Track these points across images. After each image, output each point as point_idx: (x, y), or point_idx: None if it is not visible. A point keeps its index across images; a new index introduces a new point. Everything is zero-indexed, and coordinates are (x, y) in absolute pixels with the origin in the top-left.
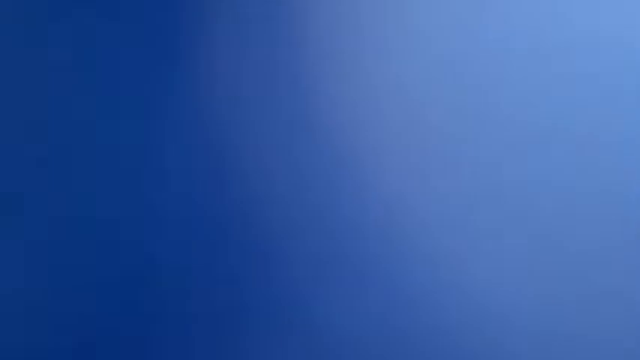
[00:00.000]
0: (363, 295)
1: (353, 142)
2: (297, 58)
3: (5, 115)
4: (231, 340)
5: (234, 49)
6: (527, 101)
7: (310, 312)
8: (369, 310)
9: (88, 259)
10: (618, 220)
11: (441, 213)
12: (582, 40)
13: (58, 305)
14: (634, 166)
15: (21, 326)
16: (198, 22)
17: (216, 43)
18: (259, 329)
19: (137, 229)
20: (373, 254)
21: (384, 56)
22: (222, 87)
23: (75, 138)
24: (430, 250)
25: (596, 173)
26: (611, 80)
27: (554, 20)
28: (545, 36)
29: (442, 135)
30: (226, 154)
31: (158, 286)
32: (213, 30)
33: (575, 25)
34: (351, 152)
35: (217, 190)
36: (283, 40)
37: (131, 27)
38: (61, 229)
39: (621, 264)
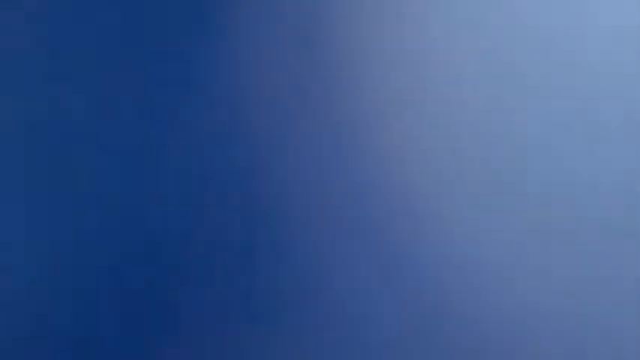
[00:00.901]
0: (383, 286)
1: (368, 137)
2: (310, 58)
3: (8, 112)
4: (236, 332)
5: (248, 48)
6: (534, 101)
7: (324, 304)
8: (390, 301)
9: (89, 256)
10: (626, 219)
11: (454, 208)
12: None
13: (58, 286)
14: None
15: (22, 307)
16: (203, 23)
17: (228, 41)
18: (260, 327)
19: (141, 216)
20: (389, 250)
21: (399, 55)
22: (235, 85)
23: (77, 135)
24: (446, 243)
25: (603, 169)
26: (613, 78)
27: (560, 20)
28: (553, 35)
29: (453, 130)
30: (233, 150)
31: (161, 275)
32: (221, 29)
33: (577, 19)
34: (365, 147)
35: (230, 186)
36: (297, 40)
37: (135, 24)
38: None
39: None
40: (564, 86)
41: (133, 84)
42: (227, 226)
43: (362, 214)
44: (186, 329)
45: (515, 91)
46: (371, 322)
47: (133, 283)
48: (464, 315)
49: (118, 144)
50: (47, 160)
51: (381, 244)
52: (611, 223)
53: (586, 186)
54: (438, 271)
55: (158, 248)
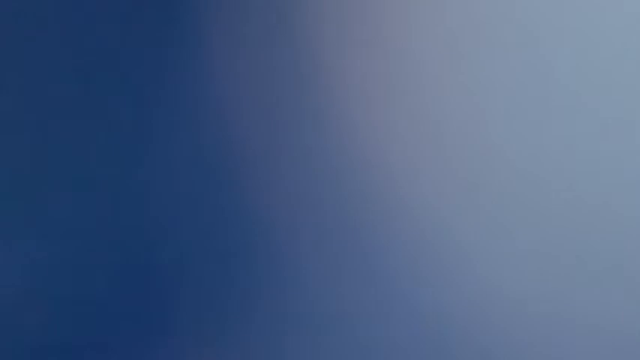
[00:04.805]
0: (372, 292)
1: (358, 137)
2: (298, 55)
3: (7, 111)
4: (234, 332)
5: (235, 45)
6: (534, 101)
7: (317, 311)
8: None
9: (87, 257)
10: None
11: (451, 209)
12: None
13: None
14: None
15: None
16: (198, 17)
17: (217, 40)
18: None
19: (137, 222)
20: (383, 251)
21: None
22: (222, 83)
23: (73, 133)
24: (442, 245)
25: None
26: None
27: (566, 19)
28: (555, 36)
29: (449, 132)
30: (227, 150)
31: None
32: (213, 26)
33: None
34: (356, 147)
35: (218, 187)
36: (285, 37)
37: (129, 23)
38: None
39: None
40: (563, 87)
41: (119, 83)
42: (221, 228)
43: (353, 214)
44: (185, 329)
45: (511, 90)
46: (363, 323)
47: (132, 283)
48: (462, 318)
49: (112, 142)
50: (45, 160)
51: (371, 245)
52: (612, 224)
53: (587, 186)
54: (433, 272)
55: (156, 248)
